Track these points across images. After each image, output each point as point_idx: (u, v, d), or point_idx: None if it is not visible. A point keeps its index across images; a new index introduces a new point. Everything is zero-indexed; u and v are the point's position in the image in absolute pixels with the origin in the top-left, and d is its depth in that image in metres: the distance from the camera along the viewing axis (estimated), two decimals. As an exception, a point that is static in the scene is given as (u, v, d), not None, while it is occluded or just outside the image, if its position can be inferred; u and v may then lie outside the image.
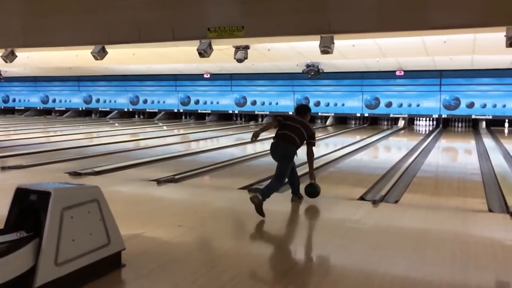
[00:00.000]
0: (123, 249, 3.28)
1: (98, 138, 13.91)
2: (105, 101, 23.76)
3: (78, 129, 16.51)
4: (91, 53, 8.95)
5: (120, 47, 9.45)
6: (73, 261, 2.88)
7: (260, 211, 4.60)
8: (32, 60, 14.90)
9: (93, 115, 24.32)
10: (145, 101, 22.86)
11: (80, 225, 2.97)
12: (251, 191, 5.89)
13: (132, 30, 7.99)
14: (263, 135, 5.19)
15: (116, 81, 23.06)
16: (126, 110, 23.39)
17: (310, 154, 5.30)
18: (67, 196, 2.94)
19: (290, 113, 19.95)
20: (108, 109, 23.77)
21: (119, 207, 3.78)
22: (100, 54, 8.90)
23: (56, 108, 24.85)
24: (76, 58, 13.58)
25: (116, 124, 19.27)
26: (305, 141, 5.14)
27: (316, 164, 7.32)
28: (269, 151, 5.23)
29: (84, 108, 24.31)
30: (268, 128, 5.40)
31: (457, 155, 11.71)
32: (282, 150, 5.02)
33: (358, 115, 19.14)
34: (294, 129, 5.06)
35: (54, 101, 24.86)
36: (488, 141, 12.36)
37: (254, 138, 5.05)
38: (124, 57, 13.71)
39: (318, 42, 7.32)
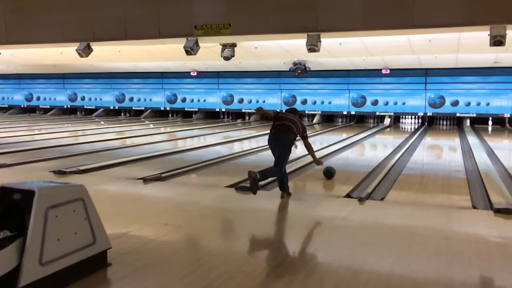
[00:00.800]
0: (109, 248, 3.25)
1: (84, 136, 13.78)
2: (90, 99, 23.53)
3: (63, 127, 16.32)
4: (76, 50, 8.84)
5: (105, 44, 9.35)
6: (58, 260, 2.84)
7: (253, 186, 5.04)
8: (16, 57, 14.70)
9: (78, 113, 24.08)
10: (131, 99, 22.69)
11: (65, 224, 2.93)
12: (238, 189, 5.90)
13: (117, 27, 7.92)
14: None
15: (101, 79, 22.85)
16: (112, 108, 23.20)
17: (308, 146, 5.68)
18: (51, 195, 2.90)
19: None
20: (94, 107, 23.56)
21: (105, 206, 3.75)
22: (85, 51, 8.79)
23: (41, 106, 24.55)
24: (61, 55, 13.42)
25: (102, 122, 19.09)
26: (299, 135, 5.50)
27: (303, 161, 7.37)
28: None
29: (69, 106, 24.04)
30: (267, 114, 5.69)
31: (442, 152, 11.86)
32: (282, 139, 5.37)
33: (345, 113, 19.26)
34: (290, 120, 5.48)
35: (38, 98, 24.54)
36: (472, 139, 12.53)
37: (258, 112, 5.61)
38: (110, 54, 13.58)
39: (305, 40, 7.34)
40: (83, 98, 23.68)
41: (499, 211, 4.82)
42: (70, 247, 2.94)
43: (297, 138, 5.56)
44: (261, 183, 5.87)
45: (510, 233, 4.29)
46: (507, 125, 17.36)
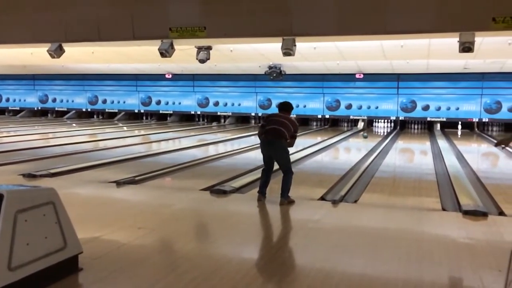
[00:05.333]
0: (80, 253, 3.20)
1: (55, 139, 13.46)
2: (62, 101, 23.06)
3: (33, 129, 15.93)
4: (48, 51, 8.65)
5: (78, 45, 9.19)
6: (28, 265, 2.78)
7: (292, 201, 5.33)
8: (-16, 57, 14.27)
9: (49, 115, 23.56)
10: (104, 101, 22.35)
11: (35, 229, 2.87)
12: (213, 192, 5.88)
13: (90, 28, 7.79)
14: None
15: (74, 80, 22.43)
16: (84, 110, 22.80)
17: (290, 143, 5.54)
18: (21, 198, 2.84)
19: (253, 114, 20.09)
20: (65, 109, 23.09)
21: (76, 210, 3.69)
22: (57, 52, 8.61)
23: (10, 108, 23.91)
24: (32, 56, 13.11)
25: (74, 125, 18.73)
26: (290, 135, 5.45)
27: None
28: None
29: (39, 108, 23.51)
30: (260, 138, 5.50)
31: (413, 156, 12.11)
32: (275, 147, 5.32)
33: (319, 116, 19.47)
34: (281, 123, 5.35)
35: (7, 100, 23.91)
36: (442, 143, 12.84)
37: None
38: (83, 56, 13.35)
39: (280, 44, 7.40)
40: (54, 100, 23.18)
41: (467, 213, 4.96)
42: (40, 252, 2.88)
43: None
44: (234, 185, 5.87)
45: (478, 234, 4.42)
46: (476, 129, 17.87)
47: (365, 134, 14.82)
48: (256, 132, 5.83)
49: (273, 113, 5.65)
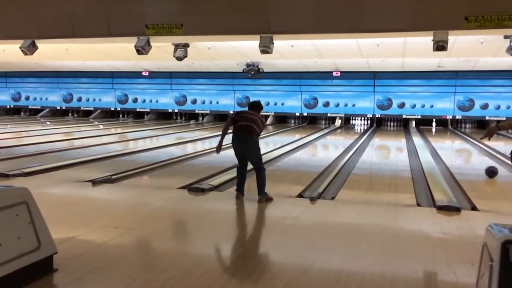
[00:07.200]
0: (54, 253, 3.14)
1: (28, 137, 13.15)
2: (35, 99, 22.56)
3: (5, 128, 15.54)
4: (20, 47, 8.44)
5: (51, 42, 9.00)
6: (1, 266, 2.72)
7: (270, 198, 5.36)
8: (-47, 53, 13.82)
9: (22, 113, 23.04)
10: (79, 99, 21.96)
11: (7, 229, 2.81)
12: (190, 190, 5.85)
13: (64, 24, 7.63)
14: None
15: (47, 78, 21.96)
16: (58, 108, 22.37)
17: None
18: (-8, 198, 2.77)
19: (231, 112, 20.04)
20: (39, 107, 22.62)
21: (50, 210, 3.62)
22: (30, 49, 8.41)
23: (-19, 106, 23.29)
24: (4, 52, 12.79)
25: (48, 123, 18.35)
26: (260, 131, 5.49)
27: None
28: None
29: (12, 106, 22.94)
30: (226, 131, 5.53)
31: (389, 153, 12.30)
32: (247, 142, 5.31)
33: (297, 114, 19.57)
34: (252, 120, 5.38)
35: (-22, 98, 23.27)
36: (417, 140, 13.08)
37: (219, 151, 5.49)
38: (56, 53, 13.08)
39: (258, 42, 7.40)
40: (27, 98, 22.66)
41: (441, 208, 5.07)
42: (13, 253, 2.82)
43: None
44: (213, 183, 5.85)
45: (452, 228, 4.52)
46: (449, 126, 18.26)
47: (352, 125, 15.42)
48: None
49: (242, 110, 5.73)
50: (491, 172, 7.28)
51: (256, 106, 5.69)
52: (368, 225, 4.56)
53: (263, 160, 5.64)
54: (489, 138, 4.38)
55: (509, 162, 5.90)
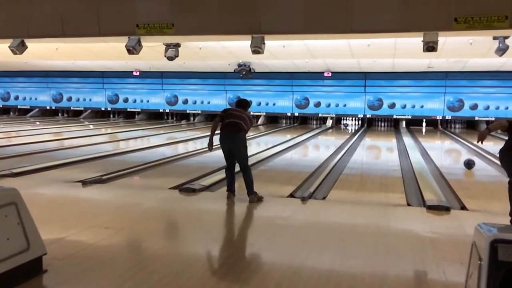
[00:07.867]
0: (44, 254, 3.11)
1: (17, 137, 13.03)
2: (25, 98, 22.37)
3: (-6, 128, 15.38)
4: (9, 47, 8.35)
5: (41, 41, 8.91)
6: (-12, 268, 2.69)
7: (260, 197, 5.36)
8: None
9: (11, 113, 22.82)
10: (69, 99, 21.80)
11: (-4, 230, 2.78)
12: (182, 190, 5.84)
13: (54, 23, 7.56)
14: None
15: (37, 77, 21.79)
16: (48, 108, 22.18)
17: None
18: (-20, 199, 2.74)
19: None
20: (29, 107, 22.43)
21: (40, 210, 3.59)
22: (19, 48, 8.31)
23: (-31, 106, 23.03)
24: (-8, 51, 12.63)
25: (37, 123, 18.19)
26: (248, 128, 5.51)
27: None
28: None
29: (1, 106, 22.72)
30: (215, 128, 5.51)
31: (380, 153, 12.36)
32: (234, 139, 5.30)
33: (289, 114, 19.60)
34: (239, 117, 5.38)
35: (-34, 98, 23.01)
36: (408, 140, 13.17)
37: (211, 147, 5.41)
38: (46, 52, 12.97)
39: (249, 42, 7.40)
40: (16, 98, 22.45)
41: (431, 208, 5.11)
42: (2, 254, 2.79)
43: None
44: (204, 183, 5.84)
45: (441, 228, 4.56)
46: (439, 126, 18.41)
47: (346, 124, 15.63)
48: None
49: (230, 108, 5.74)
50: (467, 164, 8.03)
51: (243, 104, 5.71)
52: (359, 224, 4.59)
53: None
54: (481, 141, 4.54)
55: (497, 162, 5.97)
